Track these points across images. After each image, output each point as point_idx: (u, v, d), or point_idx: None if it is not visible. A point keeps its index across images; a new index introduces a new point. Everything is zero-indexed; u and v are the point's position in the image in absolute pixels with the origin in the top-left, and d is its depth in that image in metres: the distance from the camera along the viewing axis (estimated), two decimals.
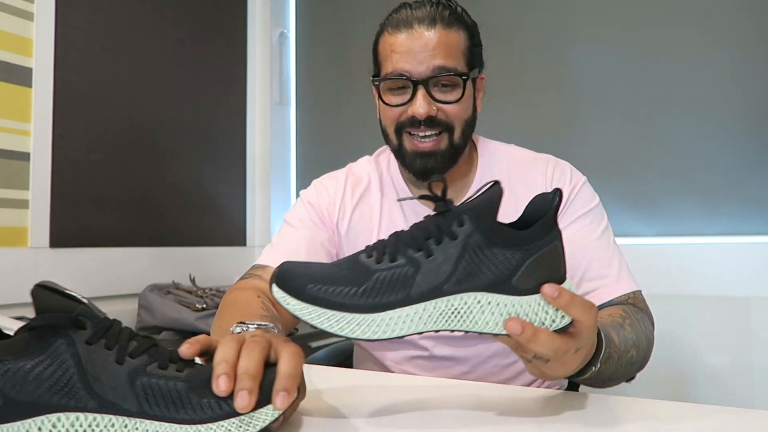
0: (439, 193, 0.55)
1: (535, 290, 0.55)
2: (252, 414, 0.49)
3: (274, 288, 0.54)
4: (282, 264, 0.56)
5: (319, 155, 2.46)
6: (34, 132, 1.72)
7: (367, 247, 0.57)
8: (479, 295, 0.54)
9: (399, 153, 0.98)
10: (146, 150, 2.06)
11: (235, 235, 2.39)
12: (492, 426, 0.57)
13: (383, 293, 0.53)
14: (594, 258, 0.93)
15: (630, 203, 1.87)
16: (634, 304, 0.90)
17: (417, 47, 0.91)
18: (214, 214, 2.31)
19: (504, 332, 0.54)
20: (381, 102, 0.97)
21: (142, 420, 0.49)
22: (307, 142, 2.52)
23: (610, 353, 0.68)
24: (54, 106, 1.77)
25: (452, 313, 0.54)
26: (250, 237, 2.44)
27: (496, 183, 0.56)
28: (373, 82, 0.98)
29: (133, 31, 2.04)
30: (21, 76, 1.70)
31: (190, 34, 2.25)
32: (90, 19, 1.89)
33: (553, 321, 0.55)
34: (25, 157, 1.70)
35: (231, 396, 0.49)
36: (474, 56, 0.97)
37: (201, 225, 2.26)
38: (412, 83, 0.92)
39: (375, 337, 0.53)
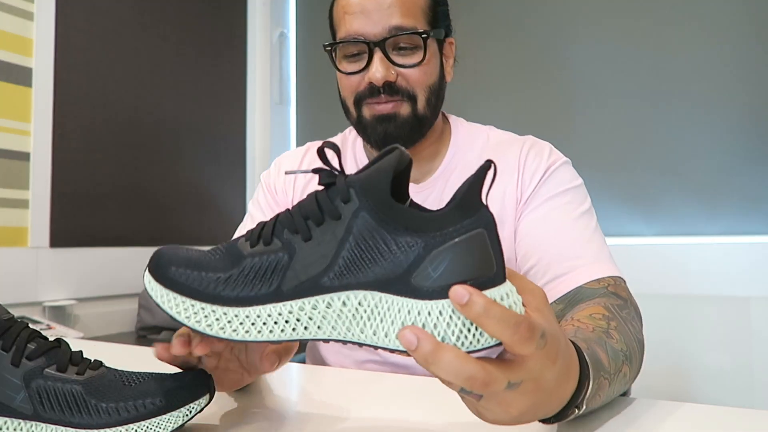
0: (335, 164, 0.44)
1: (443, 294, 0.40)
2: (152, 420, 0.49)
3: (146, 273, 0.47)
4: (161, 247, 0.49)
5: None
6: (34, 132, 1.72)
7: (249, 229, 0.48)
8: (368, 294, 0.42)
9: (359, 125, 0.89)
10: (146, 150, 2.06)
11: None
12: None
13: (251, 284, 0.44)
14: (568, 239, 0.82)
15: (630, 203, 1.87)
16: (615, 292, 0.76)
17: (371, 6, 0.82)
18: (214, 214, 2.31)
19: (401, 347, 0.41)
20: (337, 71, 0.89)
21: (37, 423, 0.48)
22: (307, 142, 2.52)
23: (600, 383, 0.52)
24: (54, 106, 1.77)
25: (336, 316, 0.43)
26: None
27: (395, 148, 0.44)
28: (325, 49, 0.88)
29: (133, 31, 2.04)
30: (21, 76, 1.70)
31: (190, 34, 2.24)
32: (90, 19, 1.89)
33: (465, 337, 0.40)
34: (25, 157, 1.70)
35: (131, 401, 0.49)
36: (438, 16, 0.87)
37: (201, 225, 2.25)
38: (367, 46, 0.83)
39: (237, 338, 0.44)
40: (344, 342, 0.44)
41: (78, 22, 1.86)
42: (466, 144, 0.95)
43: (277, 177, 1.01)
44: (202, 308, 0.44)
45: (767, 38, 1.72)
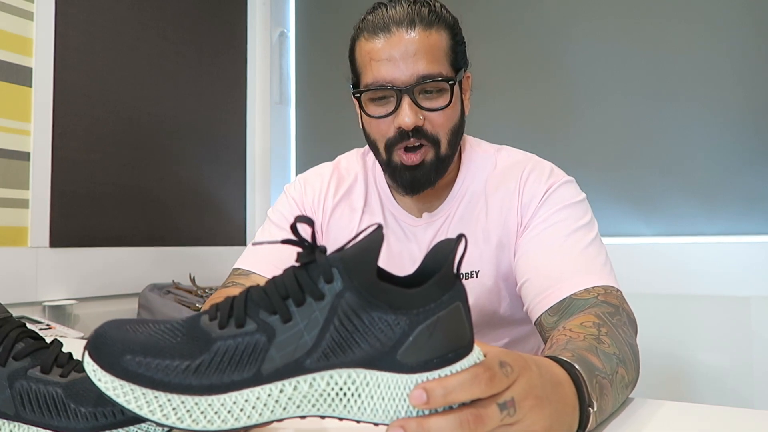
0: (307, 236, 0.45)
1: (427, 366, 0.42)
2: (130, 428, 0.48)
3: (86, 358, 0.43)
4: (102, 325, 0.45)
5: (319, 155, 2.45)
6: (34, 132, 1.71)
7: (213, 306, 0.45)
8: (353, 372, 0.42)
9: (388, 167, 0.92)
10: (146, 150, 2.06)
11: (235, 235, 2.39)
12: None
13: (225, 370, 0.42)
14: (557, 253, 0.83)
15: (630, 203, 1.87)
16: (606, 300, 0.76)
17: (397, 54, 0.84)
18: (214, 214, 2.31)
19: (386, 421, 0.43)
20: (363, 113, 0.91)
21: (19, 424, 0.48)
22: (307, 142, 2.52)
23: (601, 383, 0.56)
24: (54, 106, 1.77)
25: (319, 395, 0.42)
26: (250, 237, 2.44)
27: (378, 227, 0.44)
28: (353, 95, 0.91)
29: (133, 31, 2.03)
30: (21, 75, 1.70)
31: (190, 34, 2.24)
32: (90, 19, 1.89)
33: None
34: (25, 156, 1.70)
35: (110, 407, 0.48)
36: (458, 56, 0.90)
37: (201, 225, 2.25)
38: (395, 92, 0.85)
39: (213, 428, 0.41)
40: (322, 417, 0.44)
41: (78, 22, 1.85)
42: (476, 171, 0.97)
43: (304, 195, 1.03)
44: (169, 400, 0.41)
45: (766, 36, 1.72)
